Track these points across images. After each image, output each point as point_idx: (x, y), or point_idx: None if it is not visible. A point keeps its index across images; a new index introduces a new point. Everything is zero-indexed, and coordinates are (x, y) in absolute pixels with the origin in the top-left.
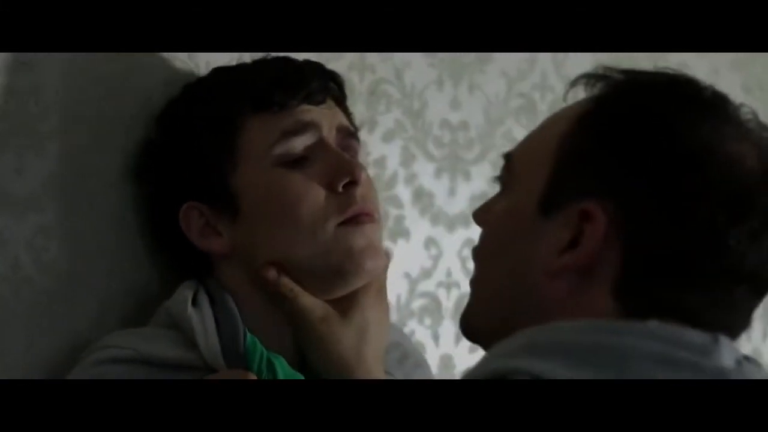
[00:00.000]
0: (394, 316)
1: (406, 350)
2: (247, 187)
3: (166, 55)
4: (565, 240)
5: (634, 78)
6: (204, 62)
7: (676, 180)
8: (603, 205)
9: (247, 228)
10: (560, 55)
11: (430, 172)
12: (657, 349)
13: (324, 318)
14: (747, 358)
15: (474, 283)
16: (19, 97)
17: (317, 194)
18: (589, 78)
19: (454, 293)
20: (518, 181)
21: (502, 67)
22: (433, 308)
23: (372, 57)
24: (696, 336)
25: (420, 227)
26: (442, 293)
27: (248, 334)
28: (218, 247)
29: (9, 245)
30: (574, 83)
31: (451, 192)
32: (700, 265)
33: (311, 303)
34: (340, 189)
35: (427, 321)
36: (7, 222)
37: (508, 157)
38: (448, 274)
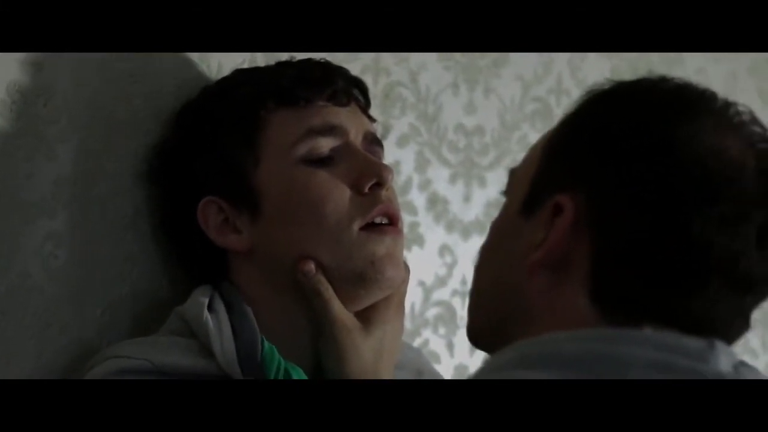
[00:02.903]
0: (407, 325)
1: (419, 367)
2: (269, 183)
3: (176, 57)
4: (539, 237)
5: (620, 82)
6: (216, 64)
7: (640, 168)
8: (574, 197)
9: (268, 226)
10: (576, 59)
11: (444, 178)
12: (654, 356)
13: (349, 330)
14: (743, 363)
15: (470, 293)
16: (28, 99)
17: (342, 194)
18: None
19: None
20: (512, 191)
21: (517, 71)
22: (448, 317)
23: (386, 59)
24: (691, 342)
25: (434, 234)
26: (456, 302)
27: (266, 342)
28: (237, 245)
29: (18, 252)
30: (581, 98)
31: (466, 198)
32: (664, 254)
33: (341, 311)
34: (366, 190)
35: (442, 330)
36: (16, 228)
37: (512, 172)
38: (463, 282)
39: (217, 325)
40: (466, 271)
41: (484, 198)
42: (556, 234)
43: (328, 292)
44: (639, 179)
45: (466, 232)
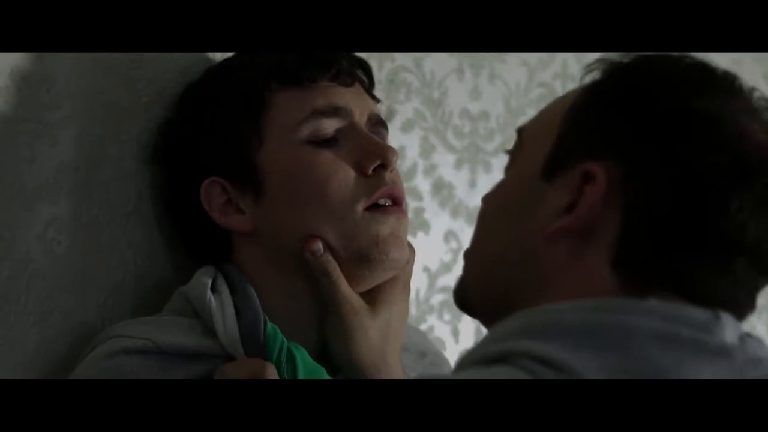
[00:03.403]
0: (412, 311)
1: (423, 349)
2: (273, 163)
3: None
4: (564, 202)
5: (647, 56)
6: (219, 53)
7: (681, 144)
8: (606, 166)
9: (271, 206)
10: None
11: (450, 164)
12: (658, 326)
13: (357, 310)
14: (749, 335)
15: (471, 254)
16: (31, 86)
17: (347, 174)
18: (604, 62)
19: None
20: (524, 152)
21: (522, 57)
22: (453, 303)
23: None
24: (697, 312)
25: (440, 220)
26: None
27: (269, 323)
28: (240, 225)
29: (20, 238)
30: (590, 67)
31: (472, 184)
32: (699, 231)
33: (348, 292)
34: (370, 172)
35: (447, 316)
36: (18, 213)
37: (520, 131)
38: None
39: (220, 305)
40: None
41: (490, 183)
42: (588, 202)
43: (336, 271)
44: (677, 153)
45: (471, 218)
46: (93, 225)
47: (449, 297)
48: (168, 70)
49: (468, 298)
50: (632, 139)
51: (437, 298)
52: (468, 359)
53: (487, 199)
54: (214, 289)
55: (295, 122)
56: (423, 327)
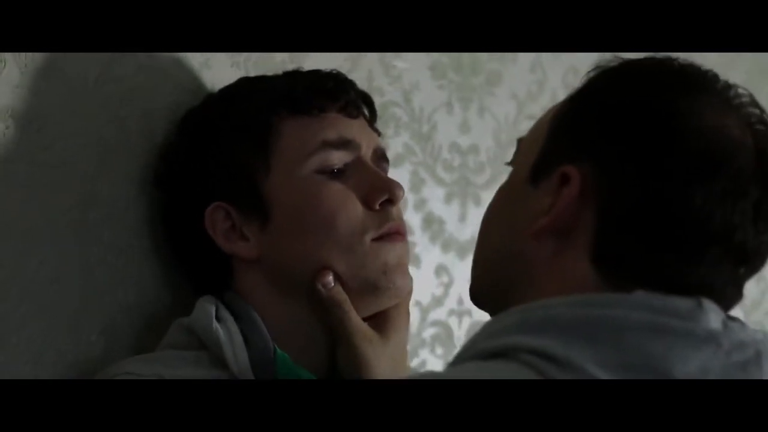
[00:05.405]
0: None
1: None
2: (281, 192)
3: (168, 78)
4: (546, 204)
5: (628, 61)
6: (209, 85)
7: (647, 142)
8: (581, 168)
9: (278, 234)
10: (570, 77)
11: (440, 197)
12: (647, 318)
13: (370, 338)
14: (731, 317)
15: (474, 257)
16: (22, 125)
17: (355, 206)
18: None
19: (466, 321)
20: (518, 160)
21: (511, 89)
22: (445, 337)
23: (380, 79)
24: (681, 302)
25: (430, 254)
26: (453, 321)
27: (277, 349)
28: (244, 252)
29: (16, 279)
30: (587, 75)
31: (462, 217)
32: (666, 224)
33: (359, 321)
34: (377, 206)
35: (439, 350)
36: (13, 255)
37: (519, 141)
38: (460, 301)
39: (227, 333)
40: (462, 290)
41: (480, 217)
42: (563, 202)
43: (348, 303)
44: (643, 151)
45: (462, 252)
46: (86, 264)
47: (441, 331)
48: (157, 107)
49: (474, 292)
50: (604, 141)
51: (429, 332)
52: (465, 354)
53: (488, 207)
54: (217, 318)
55: (304, 153)
56: (416, 361)
